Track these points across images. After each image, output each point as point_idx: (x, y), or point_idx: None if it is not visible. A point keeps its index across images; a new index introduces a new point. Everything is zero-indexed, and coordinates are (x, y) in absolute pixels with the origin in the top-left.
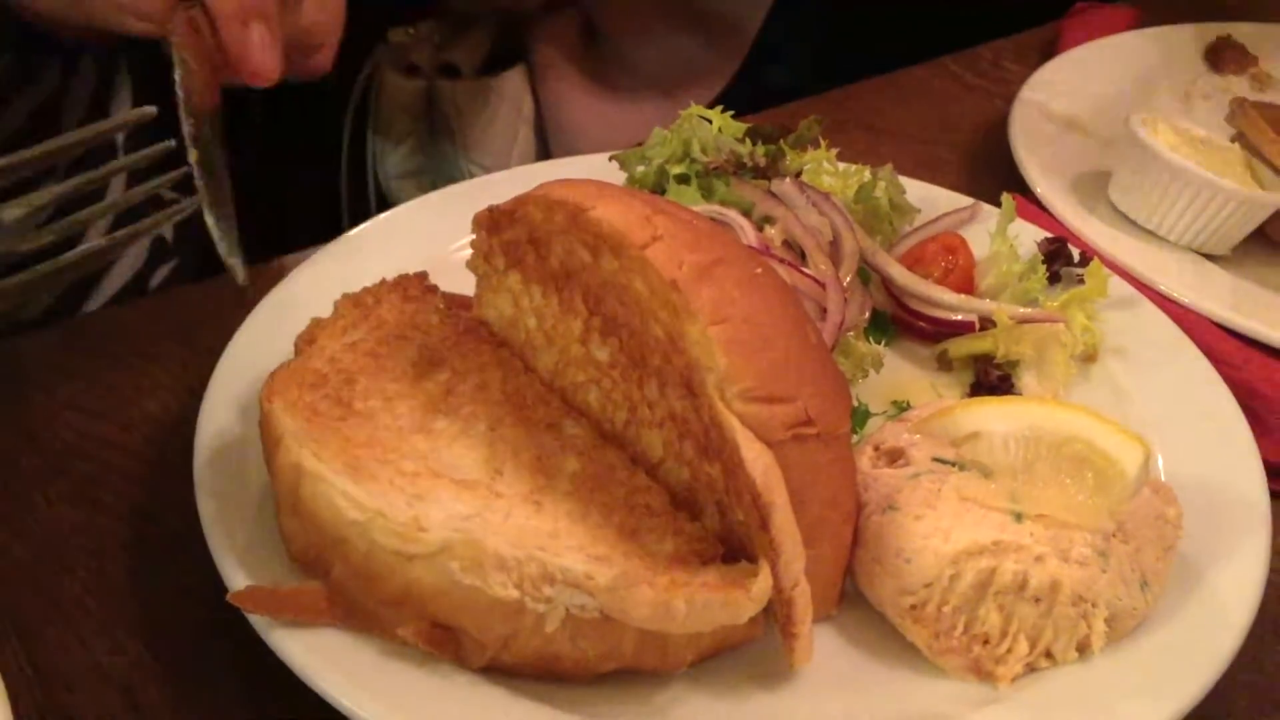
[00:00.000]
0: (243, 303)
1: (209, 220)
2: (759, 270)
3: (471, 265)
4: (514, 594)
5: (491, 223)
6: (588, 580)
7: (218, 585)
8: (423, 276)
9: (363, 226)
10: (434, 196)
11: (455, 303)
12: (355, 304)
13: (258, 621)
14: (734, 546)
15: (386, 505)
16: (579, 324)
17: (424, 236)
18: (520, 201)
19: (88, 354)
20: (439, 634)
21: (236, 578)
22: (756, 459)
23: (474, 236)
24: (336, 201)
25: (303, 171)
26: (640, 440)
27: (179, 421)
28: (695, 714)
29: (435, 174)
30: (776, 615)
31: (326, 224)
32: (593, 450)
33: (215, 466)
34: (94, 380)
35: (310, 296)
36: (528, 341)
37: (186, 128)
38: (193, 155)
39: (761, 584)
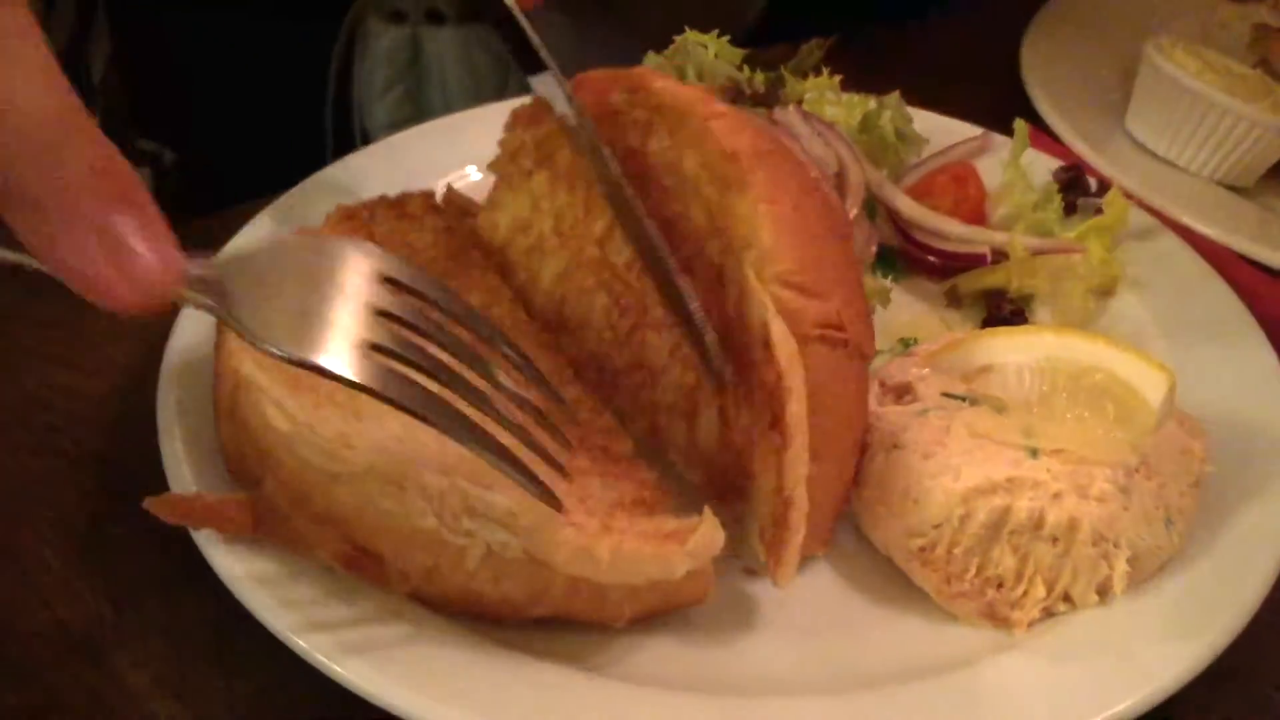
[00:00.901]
0: (213, 245)
1: None
2: (813, 173)
3: (494, 166)
4: (432, 523)
5: (532, 115)
6: (509, 517)
7: (184, 537)
8: (428, 195)
9: (347, 157)
10: (426, 127)
11: (464, 210)
12: (348, 216)
13: (224, 571)
14: (722, 471)
15: (318, 420)
16: (601, 224)
17: (415, 166)
18: (575, 85)
19: (52, 299)
20: (360, 558)
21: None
22: (784, 341)
23: (503, 135)
24: (322, 154)
25: (286, 123)
26: (644, 345)
27: (146, 368)
28: (690, 665)
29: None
30: (763, 534)
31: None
32: (562, 386)
33: (180, 409)
34: (58, 326)
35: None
36: (535, 246)
37: None
38: None
39: (700, 539)
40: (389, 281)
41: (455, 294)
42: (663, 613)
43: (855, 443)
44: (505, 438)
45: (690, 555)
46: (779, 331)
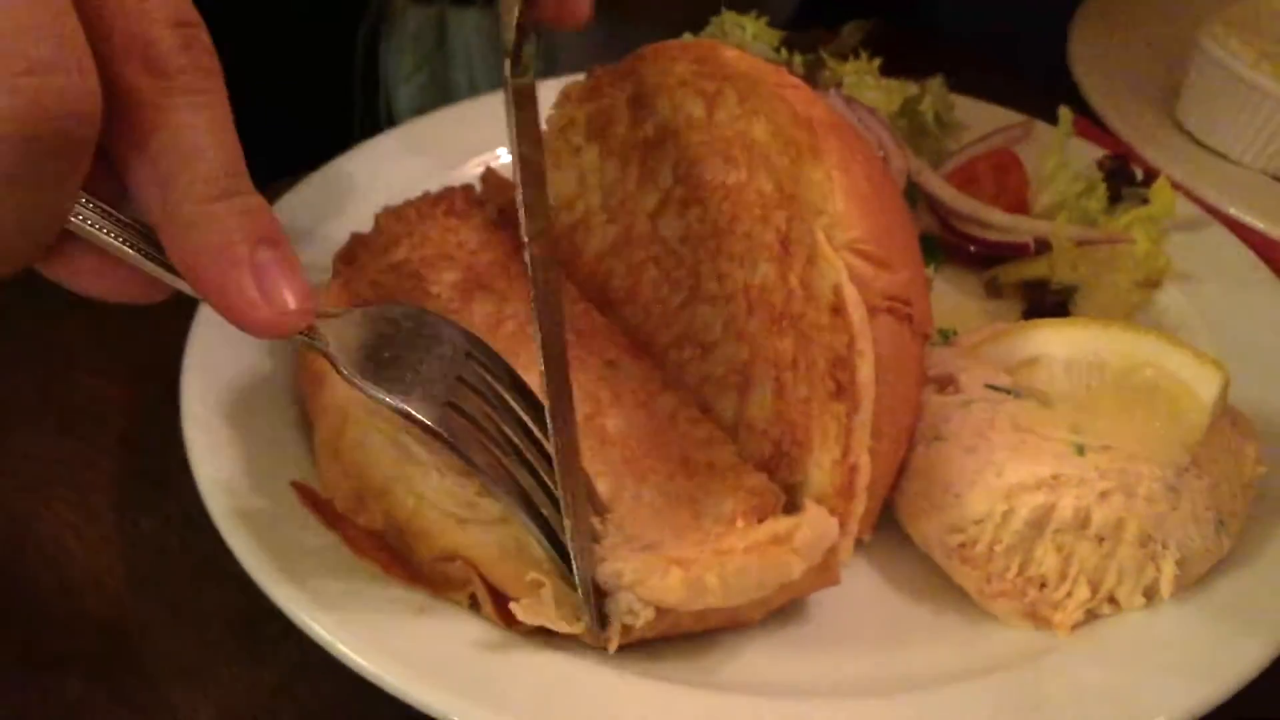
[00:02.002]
0: None
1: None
2: (879, 151)
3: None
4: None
5: (587, 90)
6: (615, 576)
7: (207, 526)
8: (469, 190)
9: (374, 140)
10: (452, 110)
11: (501, 187)
12: (398, 218)
13: (249, 563)
14: (775, 443)
15: (441, 461)
16: (654, 198)
17: (444, 150)
18: (637, 57)
19: (51, 298)
20: (490, 596)
21: (223, 510)
22: (856, 305)
23: (551, 112)
24: (349, 137)
25: (314, 106)
26: (695, 319)
27: (172, 352)
28: (727, 665)
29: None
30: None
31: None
32: (651, 399)
33: (205, 395)
34: (85, 308)
35: (319, 212)
36: (581, 222)
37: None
38: None
39: (806, 534)
40: (472, 357)
41: (523, 382)
42: (792, 603)
43: (911, 423)
44: (547, 509)
45: (802, 553)
46: (852, 296)
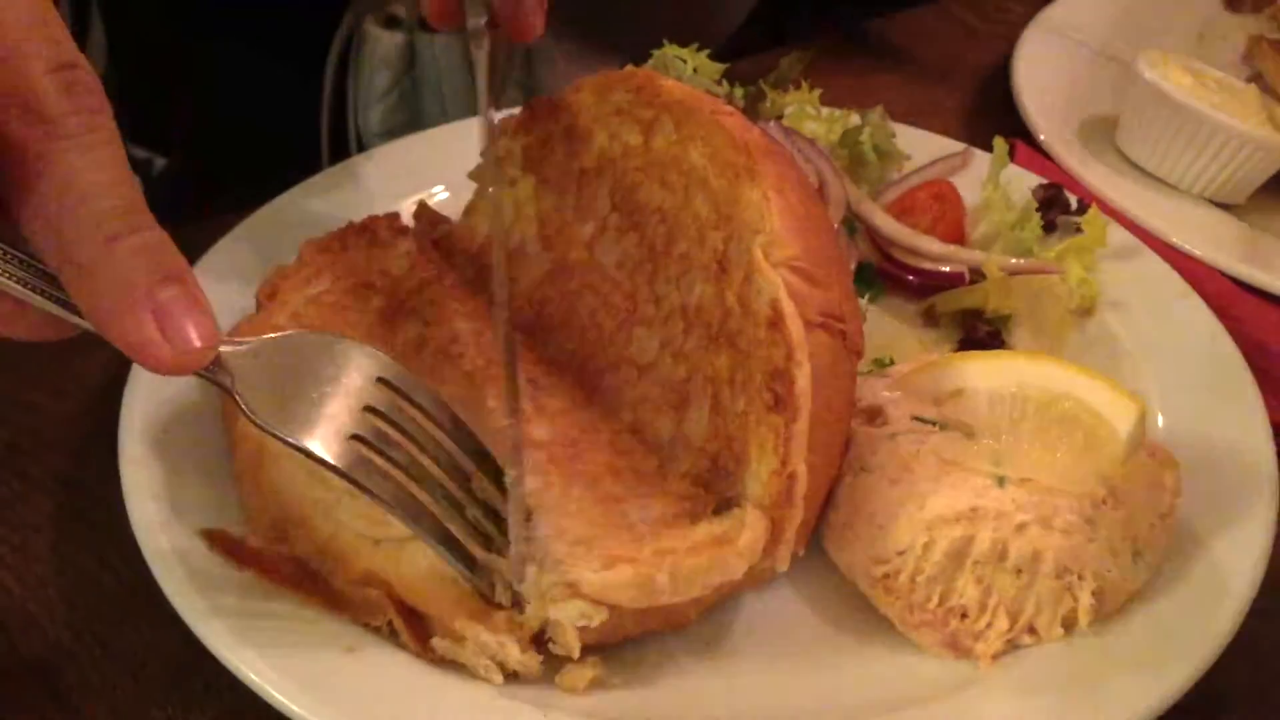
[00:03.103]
0: (196, 255)
1: None
2: (816, 181)
3: (475, 174)
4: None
5: (523, 121)
6: (571, 588)
7: (144, 566)
8: (393, 217)
9: (323, 173)
10: (407, 140)
11: (434, 221)
12: (320, 250)
13: (181, 604)
14: (711, 458)
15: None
16: (591, 227)
17: (398, 179)
18: (574, 89)
19: None
20: (404, 617)
21: (157, 551)
22: (794, 318)
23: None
24: (317, 160)
25: (282, 128)
26: (632, 342)
27: (116, 387)
28: (645, 701)
29: (419, 130)
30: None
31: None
32: (574, 409)
33: (144, 432)
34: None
35: (260, 244)
36: (517, 251)
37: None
38: None
39: (749, 534)
40: (383, 382)
41: (442, 401)
42: (722, 602)
43: (843, 440)
44: (458, 528)
45: (744, 554)
46: (790, 309)
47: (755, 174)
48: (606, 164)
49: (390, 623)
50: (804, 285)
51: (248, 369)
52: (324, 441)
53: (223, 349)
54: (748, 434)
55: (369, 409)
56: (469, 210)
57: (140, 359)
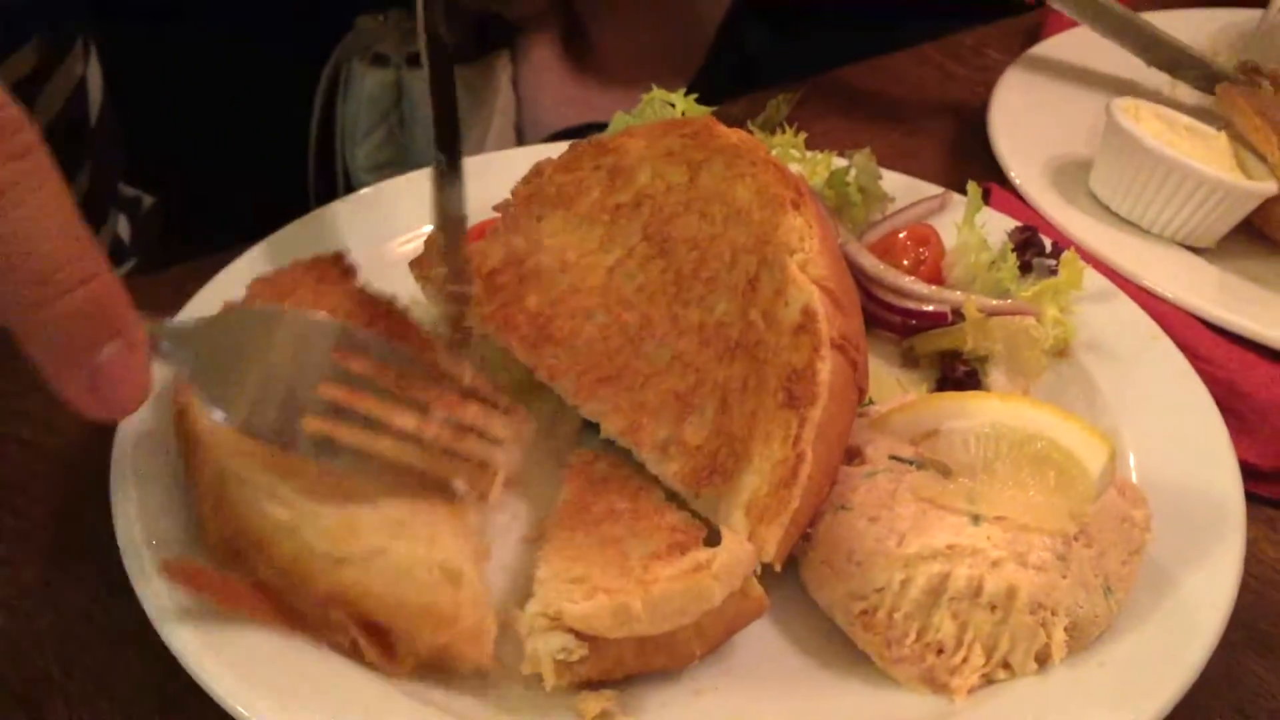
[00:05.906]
0: (181, 299)
1: None
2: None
3: (500, 207)
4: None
5: (564, 164)
6: (554, 620)
7: (133, 598)
8: (339, 257)
9: (308, 216)
10: (396, 182)
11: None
12: (270, 285)
13: (170, 637)
14: (709, 456)
15: (316, 506)
16: (615, 255)
17: (378, 221)
18: (625, 134)
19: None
20: (369, 635)
21: (149, 584)
22: (825, 318)
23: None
24: (304, 196)
25: (269, 164)
26: (639, 355)
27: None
28: None
29: (407, 166)
30: (755, 508)
31: (294, 218)
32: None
33: (135, 467)
34: (16, 379)
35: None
36: (531, 274)
37: None
38: None
39: (725, 560)
40: (341, 346)
41: (401, 350)
42: (729, 638)
43: (835, 467)
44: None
45: (721, 578)
46: (823, 310)
47: (800, 205)
48: (644, 199)
49: (354, 641)
50: (831, 306)
51: (201, 355)
52: (280, 427)
53: (170, 340)
54: (754, 429)
55: (329, 378)
56: (491, 236)
57: (76, 410)
